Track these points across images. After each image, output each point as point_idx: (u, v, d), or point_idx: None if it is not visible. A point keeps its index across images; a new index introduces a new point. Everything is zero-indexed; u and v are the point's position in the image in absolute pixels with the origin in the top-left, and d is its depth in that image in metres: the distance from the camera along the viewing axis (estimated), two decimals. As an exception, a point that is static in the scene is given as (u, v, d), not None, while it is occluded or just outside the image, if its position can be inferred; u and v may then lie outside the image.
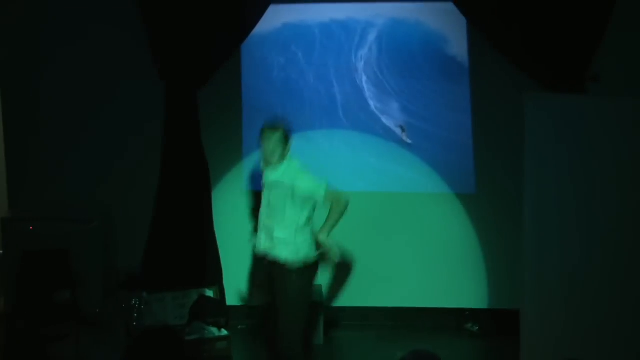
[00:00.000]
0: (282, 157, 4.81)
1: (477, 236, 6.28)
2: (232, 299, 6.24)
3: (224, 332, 5.79)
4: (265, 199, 4.91)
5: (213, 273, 6.15)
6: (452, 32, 6.17)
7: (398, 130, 6.23)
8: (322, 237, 4.74)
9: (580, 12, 5.63)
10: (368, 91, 6.28)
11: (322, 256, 4.78)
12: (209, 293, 6.08)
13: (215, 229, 6.17)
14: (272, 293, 4.89)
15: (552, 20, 5.64)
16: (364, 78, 6.27)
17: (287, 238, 4.78)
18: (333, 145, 6.30)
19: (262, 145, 4.85)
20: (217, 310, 5.96)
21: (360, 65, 6.26)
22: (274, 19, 6.13)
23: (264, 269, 4.99)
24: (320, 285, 6.08)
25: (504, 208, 6.06)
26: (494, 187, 6.21)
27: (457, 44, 6.18)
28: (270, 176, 4.88)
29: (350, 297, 6.34)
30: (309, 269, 4.84)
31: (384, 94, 6.25)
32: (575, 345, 4.60)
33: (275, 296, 4.84)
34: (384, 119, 6.25)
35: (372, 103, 6.29)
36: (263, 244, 4.88)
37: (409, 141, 6.24)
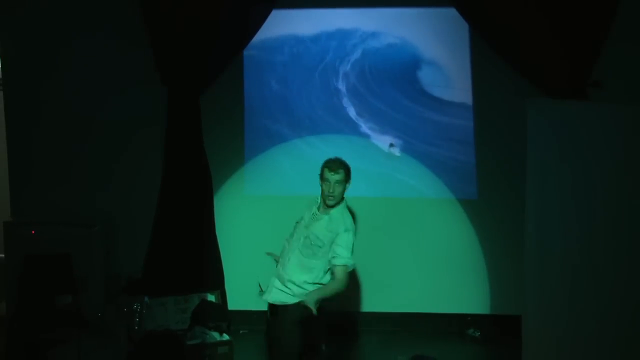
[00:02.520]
0: (341, 198, 4.84)
1: (479, 241, 6.28)
2: (233, 303, 6.23)
3: (226, 336, 5.79)
4: (295, 241, 4.89)
5: (214, 277, 6.15)
6: (453, 37, 6.18)
7: (387, 147, 6.24)
8: (311, 300, 4.64)
9: (582, 18, 5.63)
10: (370, 101, 6.29)
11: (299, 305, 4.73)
12: (211, 297, 6.08)
13: (217, 233, 6.17)
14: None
15: (554, 26, 5.64)
16: (366, 86, 6.28)
17: (304, 285, 4.79)
18: (336, 150, 6.26)
19: (322, 184, 4.84)
20: (219, 314, 5.96)
21: (363, 72, 6.27)
22: (277, 24, 6.14)
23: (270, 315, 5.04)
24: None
25: (506, 213, 6.06)
26: (495, 192, 6.21)
27: (459, 50, 6.19)
28: (315, 219, 4.86)
29: (352, 302, 6.34)
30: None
31: (385, 102, 6.26)
32: (577, 351, 4.58)
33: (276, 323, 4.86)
34: (374, 135, 6.27)
35: (374, 110, 6.31)
36: (274, 295, 4.88)
37: (397, 154, 6.25)
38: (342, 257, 4.73)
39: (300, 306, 4.70)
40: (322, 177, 4.86)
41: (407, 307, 6.32)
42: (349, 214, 4.90)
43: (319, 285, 4.80)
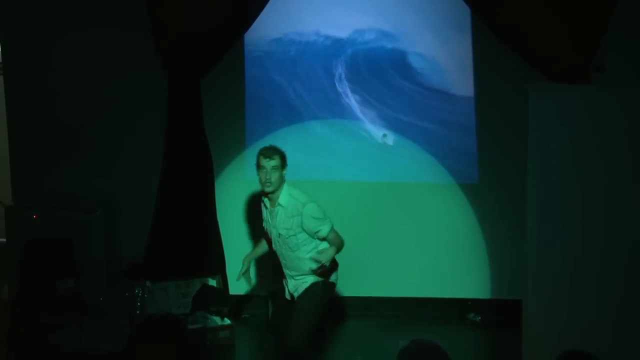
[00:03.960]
0: (280, 184, 4.73)
1: (480, 226, 6.28)
2: (235, 288, 6.24)
3: (227, 321, 5.81)
4: (276, 243, 4.85)
5: (216, 262, 6.16)
6: (456, 21, 6.16)
7: (380, 136, 6.23)
8: (330, 253, 4.69)
9: (585, 2, 5.61)
10: (370, 83, 6.27)
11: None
12: (212, 282, 6.09)
13: (218, 218, 6.17)
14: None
15: (557, 10, 5.62)
16: (368, 70, 6.26)
17: (308, 272, 4.78)
18: (336, 135, 6.30)
19: (259, 172, 4.73)
20: (220, 299, 5.97)
21: (363, 58, 6.25)
22: (277, 12, 6.11)
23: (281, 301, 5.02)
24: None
25: (507, 198, 6.06)
26: (496, 177, 6.20)
27: (461, 35, 6.16)
28: (273, 216, 4.79)
29: (353, 287, 6.34)
30: (331, 285, 4.87)
31: (385, 86, 6.25)
32: (577, 335, 4.59)
33: (296, 305, 4.82)
34: (374, 120, 6.25)
35: (376, 94, 6.29)
36: (291, 288, 4.87)
37: (390, 143, 6.24)
38: (322, 227, 4.69)
39: (316, 282, 4.73)
40: (257, 166, 4.73)
41: (407, 292, 6.33)
42: (295, 189, 4.76)
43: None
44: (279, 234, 4.78)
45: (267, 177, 4.67)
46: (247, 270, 4.99)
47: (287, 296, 4.90)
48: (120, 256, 6.27)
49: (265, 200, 4.83)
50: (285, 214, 4.73)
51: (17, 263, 5.73)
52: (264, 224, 4.93)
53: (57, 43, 6.18)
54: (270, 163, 4.68)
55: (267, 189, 4.70)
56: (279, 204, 4.74)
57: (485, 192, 6.25)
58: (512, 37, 5.81)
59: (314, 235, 4.73)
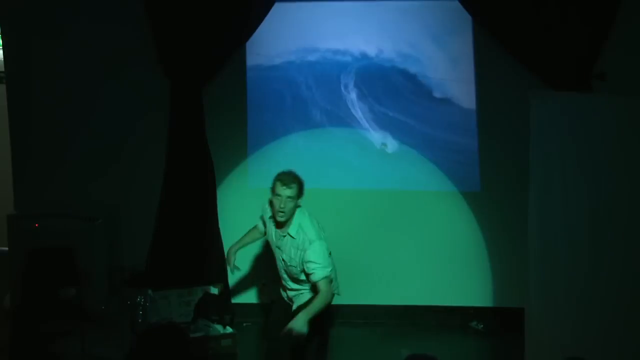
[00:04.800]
0: (293, 213, 4.63)
1: (482, 234, 6.27)
2: (237, 296, 6.24)
3: (229, 329, 5.80)
4: (279, 263, 4.81)
5: (218, 270, 6.15)
6: (456, 30, 6.17)
7: (380, 145, 6.24)
8: (303, 319, 4.41)
9: (587, 9, 5.62)
10: (373, 91, 6.27)
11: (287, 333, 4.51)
12: (214, 290, 6.08)
13: (220, 226, 6.17)
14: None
15: (558, 18, 5.62)
16: (369, 77, 6.26)
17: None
18: (337, 143, 6.30)
19: (273, 198, 4.61)
20: (222, 307, 5.97)
21: (368, 65, 6.25)
22: (280, 17, 6.13)
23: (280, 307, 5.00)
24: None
25: (509, 206, 6.05)
26: (498, 185, 6.20)
27: (462, 42, 6.17)
28: (279, 237, 4.73)
29: (355, 294, 6.33)
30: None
31: (386, 94, 6.25)
32: (580, 344, 4.58)
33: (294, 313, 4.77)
34: (376, 128, 6.26)
35: (377, 102, 6.29)
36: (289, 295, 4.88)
37: (389, 151, 6.24)
38: (318, 272, 4.53)
39: (290, 334, 4.44)
40: (273, 191, 4.61)
41: (410, 300, 6.32)
42: (306, 219, 4.67)
43: None
44: (283, 259, 4.75)
45: (282, 206, 4.57)
46: (234, 262, 5.00)
47: (286, 298, 4.89)
48: (122, 264, 6.27)
49: (270, 214, 4.76)
50: (292, 244, 4.67)
51: (19, 272, 5.73)
52: (267, 236, 4.89)
53: (59, 51, 6.20)
54: (286, 192, 4.57)
55: (280, 219, 4.61)
56: (288, 233, 4.67)
57: (488, 200, 6.24)
58: (513, 44, 5.82)
59: (307, 274, 4.59)
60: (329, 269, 4.59)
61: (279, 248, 4.76)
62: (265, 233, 5.04)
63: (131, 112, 6.24)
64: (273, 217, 4.71)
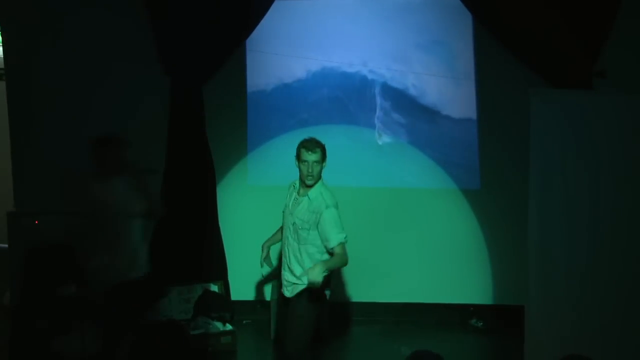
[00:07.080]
0: (319, 177, 4.81)
1: (482, 232, 6.28)
2: (236, 293, 6.24)
3: (229, 326, 5.81)
4: (287, 230, 4.88)
5: (218, 268, 6.17)
6: (457, 27, 6.16)
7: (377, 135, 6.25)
8: (320, 269, 4.59)
9: (587, 8, 5.62)
10: (372, 89, 6.27)
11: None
12: (214, 288, 6.09)
13: (220, 223, 6.17)
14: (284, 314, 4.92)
15: (559, 16, 5.62)
16: (370, 73, 6.26)
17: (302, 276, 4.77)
18: (337, 140, 6.28)
19: (300, 165, 4.80)
20: (222, 305, 5.97)
21: (367, 61, 6.25)
22: (280, 14, 6.12)
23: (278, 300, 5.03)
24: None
25: (509, 204, 6.05)
26: (498, 182, 6.20)
27: (463, 40, 6.17)
28: (296, 203, 4.83)
29: (356, 292, 6.34)
30: (322, 296, 4.84)
31: (386, 91, 6.25)
32: (579, 341, 4.59)
33: (288, 311, 4.83)
34: (376, 125, 6.26)
35: (378, 99, 6.29)
36: (287, 284, 4.88)
37: (380, 142, 6.23)
38: (333, 238, 4.69)
39: (308, 289, 4.68)
40: (299, 158, 4.82)
41: (410, 298, 6.32)
42: (327, 190, 4.85)
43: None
44: (294, 222, 4.81)
45: (310, 170, 4.76)
46: (268, 256, 5.07)
47: (284, 292, 4.92)
48: (122, 262, 6.25)
49: (297, 184, 4.89)
50: (308, 207, 4.78)
51: (19, 269, 5.73)
52: (284, 208, 4.95)
53: (58, 49, 6.18)
54: (312, 157, 4.77)
55: (309, 182, 4.78)
56: (307, 195, 4.79)
57: (487, 198, 6.25)
58: (514, 42, 5.82)
59: (323, 240, 4.73)
60: (344, 235, 4.72)
61: (292, 215, 4.85)
62: None
63: (132, 110, 6.22)
64: (302, 181, 4.84)
